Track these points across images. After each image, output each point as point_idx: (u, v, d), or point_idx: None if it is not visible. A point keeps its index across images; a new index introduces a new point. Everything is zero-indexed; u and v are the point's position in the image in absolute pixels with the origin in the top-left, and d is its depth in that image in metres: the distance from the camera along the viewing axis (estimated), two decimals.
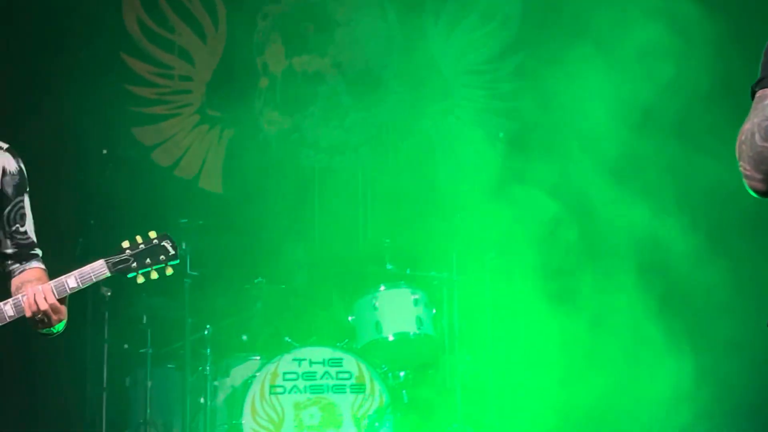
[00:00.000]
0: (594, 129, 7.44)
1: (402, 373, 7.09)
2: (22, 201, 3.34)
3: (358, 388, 6.78)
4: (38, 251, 3.41)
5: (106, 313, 7.33)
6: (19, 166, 3.36)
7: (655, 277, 7.34)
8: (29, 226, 3.27)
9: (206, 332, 7.09)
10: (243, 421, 6.61)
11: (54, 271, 7.45)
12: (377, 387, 6.77)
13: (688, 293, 7.30)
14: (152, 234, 3.30)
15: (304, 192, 8.26)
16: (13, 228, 3.30)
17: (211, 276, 7.18)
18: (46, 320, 3.16)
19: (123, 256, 3.23)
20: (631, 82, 7.45)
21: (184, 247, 6.78)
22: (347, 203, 8.30)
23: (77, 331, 7.41)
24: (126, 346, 7.48)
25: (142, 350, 7.32)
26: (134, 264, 3.21)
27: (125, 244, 3.26)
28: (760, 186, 2.54)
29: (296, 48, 8.46)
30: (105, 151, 7.38)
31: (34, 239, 3.35)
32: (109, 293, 7.17)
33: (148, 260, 3.26)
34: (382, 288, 7.07)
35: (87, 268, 3.24)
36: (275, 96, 8.48)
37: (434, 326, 7.11)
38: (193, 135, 8.49)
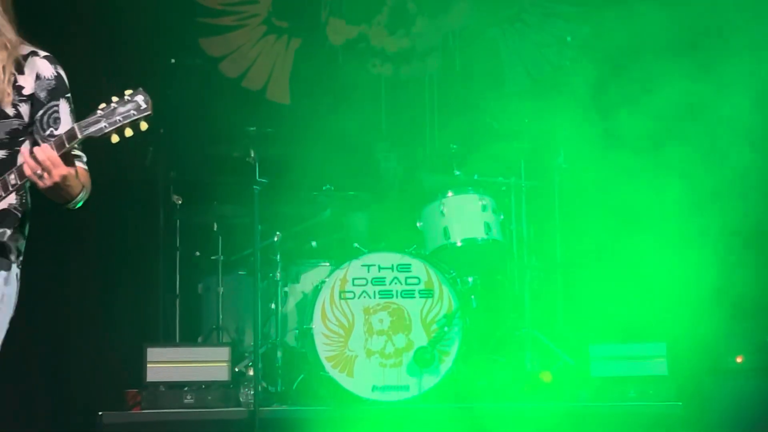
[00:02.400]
0: None
1: (470, 279, 7.11)
2: (57, 105, 3.27)
3: (427, 293, 6.81)
4: (80, 154, 3.31)
5: (178, 222, 7.44)
6: (57, 72, 3.32)
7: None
8: (64, 130, 3.17)
9: (276, 239, 7.16)
10: (313, 326, 6.68)
11: (121, 181, 7.53)
12: (446, 292, 6.80)
13: None
14: (127, 92, 3.16)
15: (371, 101, 8.25)
16: (47, 132, 3.23)
17: (279, 184, 7.23)
18: (47, 178, 3.05)
19: (94, 117, 3.10)
20: None
21: (252, 155, 6.81)
22: (414, 111, 8.29)
23: (150, 240, 7.55)
24: (198, 253, 7.59)
25: (213, 257, 7.44)
26: (105, 123, 3.07)
27: (101, 105, 3.13)
28: None
29: None
30: (173, 61, 7.42)
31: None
32: (180, 201, 7.26)
33: (119, 117, 3.10)
34: (450, 194, 7.06)
35: (64, 134, 3.11)
36: (341, 5, 8.45)
37: (502, 232, 7.10)
38: (260, 46, 8.50)
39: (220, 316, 7.34)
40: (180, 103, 7.58)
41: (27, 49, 3.33)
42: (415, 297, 6.82)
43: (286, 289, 7.16)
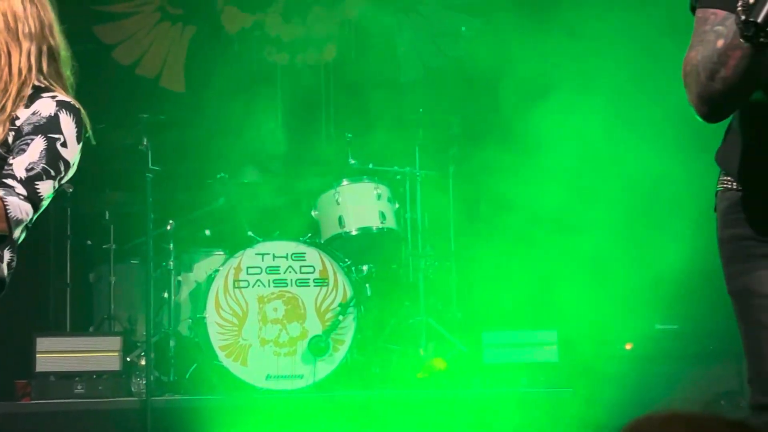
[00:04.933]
0: None
1: (365, 267, 7.12)
2: (33, 139, 3.02)
3: (322, 282, 6.82)
4: (11, 183, 3.01)
5: (69, 210, 7.32)
6: (56, 114, 3.08)
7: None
8: (20, 161, 2.99)
9: (169, 228, 7.09)
10: (206, 315, 6.65)
11: None
12: (341, 281, 6.81)
13: None
14: None
15: (267, 90, 8.21)
16: (6, 160, 3.07)
17: (173, 171, 7.15)
18: None
19: None
20: None
21: (145, 142, 6.74)
22: (310, 100, 8.28)
23: (40, 228, 7.41)
24: (89, 242, 7.49)
25: (105, 246, 7.34)
26: None
27: None
28: (707, 116, 2.62)
29: None
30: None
31: (16, 174, 3.05)
32: (71, 189, 7.15)
33: None
34: (345, 182, 7.07)
35: None
36: None
37: (397, 221, 7.14)
38: (153, 33, 8.42)
39: (112, 306, 7.26)
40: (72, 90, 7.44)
41: (44, 87, 3.14)
42: (309, 285, 6.82)
43: (179, 278, 7.10)
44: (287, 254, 6.83)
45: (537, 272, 7.14)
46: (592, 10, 7.25)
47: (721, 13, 2.56)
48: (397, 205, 7.17)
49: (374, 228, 7.00)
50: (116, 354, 6.50)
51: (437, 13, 8.44)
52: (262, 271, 6.78)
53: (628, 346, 7.16)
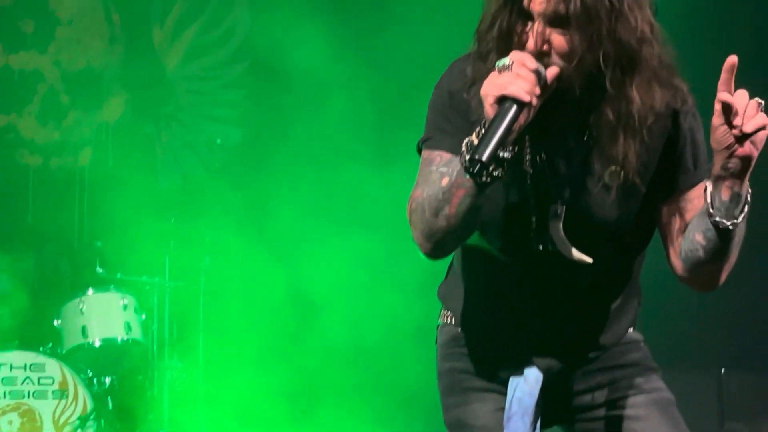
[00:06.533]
0: None
1: (108, 379, 6.96)
2: None
3: (61, 394, 6.64)
4: None
5: None
6: None
7: None
8: None
9: None
10: None
11: None
12: (81, 393, 6.65)
13: None
14: None
15: (18, 193, 8.03)
16: None
17: None
18: None
19: None
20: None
21: None
22: (63, 205, 8.12)
23: None
24: None
25: None
26: None
27: None
28: (431, 252, 2.65)
29: (14, 45, 8.21)
30: None
31: None
32: None
33: None
34: (90, 292, 6.95)
35: None
36: None
37: (143, 332, 7.04)
38: None
39: None
40: None
41: None
42: (47, 398, 6.62)
43: None
44: (25, 365, 6.63)
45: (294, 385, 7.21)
46: None
47: (446, 155, 2.62)
48: (144, 316, 7.08)
49: (118, 339, 6.88)
50: None
51: (197, 124, 8.45)
52: None
53: None
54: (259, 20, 8.30)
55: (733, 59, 2.42)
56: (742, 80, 2.43)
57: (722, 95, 2.41)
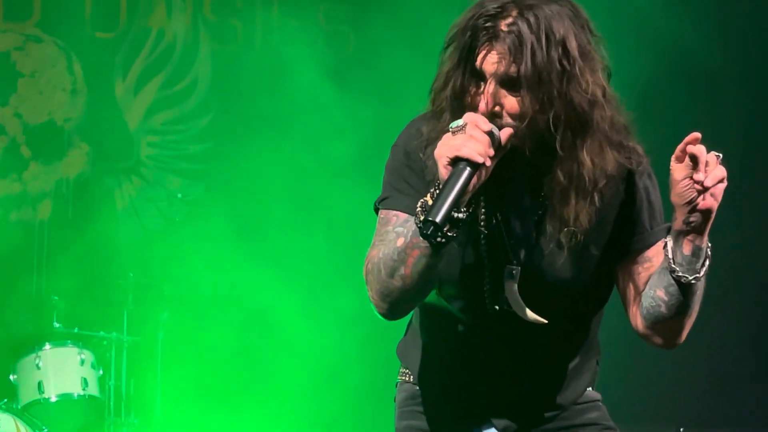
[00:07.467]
0: None
1: None
2: None
3: None
4: None
5: None
6: None
7: None
8: None
9: None
10: None
11: None
12: None
13: None
14: None
15: None
16: None
17: None
18: None
19: None
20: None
21: None
22: (22, 258, 8.05)
23: None
24: None
25: None
26: None
27: None
28: (387, 314, 2.66)
29: None
30: None
31: None
32: None
33: None
34: (48, 346, 6.89)
35: None
36: None
37: (100, 388, 6.99)
38: None
39: None
40: None
41: None
42: None
43: None
44: None
45: None
46: None
47: (402, 215, 2.63)
48: (101, 372, 7.03)
49: (75, 395, 6.81)
50: None
51: (158, 177, 8.41)
52: None
53: None
54: (222, 73, 8.32)
55: (696, 135, 2.44)
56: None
57: (691, 147, 2.43)
